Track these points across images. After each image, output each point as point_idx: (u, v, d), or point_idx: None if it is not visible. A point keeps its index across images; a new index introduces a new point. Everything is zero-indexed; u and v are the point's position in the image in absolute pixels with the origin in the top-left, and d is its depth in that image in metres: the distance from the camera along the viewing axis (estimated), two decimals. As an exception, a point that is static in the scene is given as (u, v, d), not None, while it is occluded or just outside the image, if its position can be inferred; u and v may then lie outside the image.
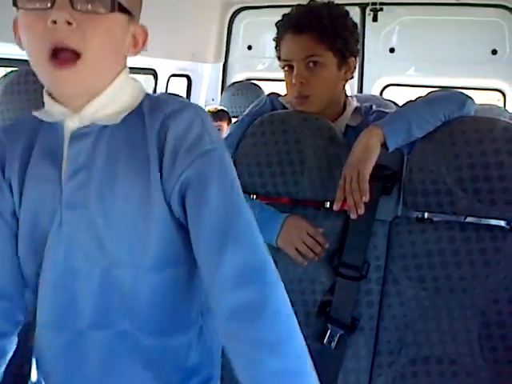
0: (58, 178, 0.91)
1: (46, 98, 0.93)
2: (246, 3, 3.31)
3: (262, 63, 3.38)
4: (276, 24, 1.58)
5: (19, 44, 0.89)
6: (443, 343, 1.39)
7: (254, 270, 0.82)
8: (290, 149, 1.50)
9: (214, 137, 0.90)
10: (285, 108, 1.63)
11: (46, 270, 0.91)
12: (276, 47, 1.60)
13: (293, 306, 1.46)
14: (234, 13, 3.38)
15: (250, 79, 3.40)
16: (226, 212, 0.85)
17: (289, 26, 1.53)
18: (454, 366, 1.38)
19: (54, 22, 0.81)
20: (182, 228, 0.89)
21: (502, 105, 2.94)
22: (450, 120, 1.38)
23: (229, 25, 3.41)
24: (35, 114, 0.95)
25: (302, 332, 1.48)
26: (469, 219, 1.46)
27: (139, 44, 0.94)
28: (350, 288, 1.45)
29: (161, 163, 0.87)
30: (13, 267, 0.94)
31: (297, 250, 1.46)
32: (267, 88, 3.26)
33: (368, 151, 1.34)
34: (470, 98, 1.44)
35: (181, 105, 0.91)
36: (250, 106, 1.71)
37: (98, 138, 0.90)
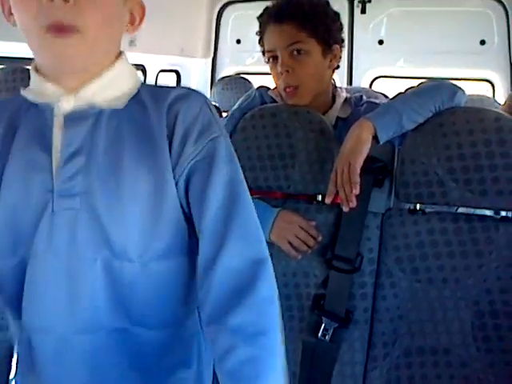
0: (49, 164, 0.86)
1: (35, 77, 0.88)
2: (233, -3, 3.30)
3: (251, 57, 3.37)
4: (258, 18, 1.59)
5: (8, 18, 0.85)
6: (437, 334, 1.39)
7: (249, 265, 0.83)
8: (281, 142, 1.50)
9: (220, 124, 0.91)
10: (274, 101, 1.63)
11: (34, 264, 0.86)
12: (259, 42, 1.60)
13: (287, 299, 1.49)
14: (222, 7, 3.36)
15: (239, 73, 3.39)
16: (230, 199, 0.86)
17: (270, 17, 1.54)
18: (448, 356, 1.38)
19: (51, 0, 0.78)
20: (187, 217, 0.89)
21: (490, 95, 2.95)
22: (440, 111, 1.38)
23: (217, 19, 3.39)
24: (23, 92, 0.89)
25: (297, 325, 1.49)
26: (461, 210, 1.46)
27: (137, 21, 0.92)
28: (343, 281, 1.45)
29: (169, 148, 0.86)
30: None
31: (290, 243, 1.45)
32: (257, 82, 3.25)
33: (359, 144, 1.34)
34: (460, 88, 1.44)
35: (185, 90, 0.91)
36: (240, 100, 1.70)
37: (97, 121, 0.87)
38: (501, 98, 2.89)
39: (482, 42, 2.86)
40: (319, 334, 1.44)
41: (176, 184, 0.87)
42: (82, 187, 0.85)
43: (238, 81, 3.22)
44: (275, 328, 0.82)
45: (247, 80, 3.24)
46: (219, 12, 3.39)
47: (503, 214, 1.38)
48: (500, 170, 1.32)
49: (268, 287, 0.83)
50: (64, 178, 0.85)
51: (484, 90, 3.02)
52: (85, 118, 0.86)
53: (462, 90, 1.44)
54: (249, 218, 0.87)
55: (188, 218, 0.90)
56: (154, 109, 0.88)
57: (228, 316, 0.81)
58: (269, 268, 0.85)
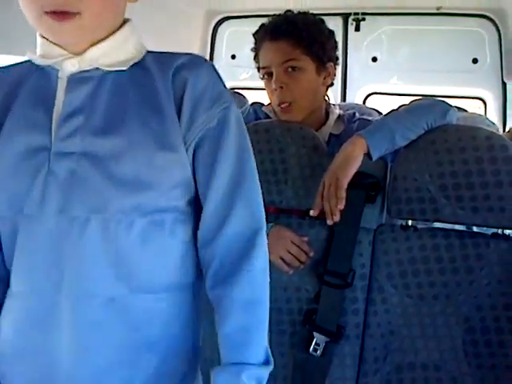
0: (48, 123, 0.85)
1: (41, 40, 0.88)
2: (229, 13, 3.32)
3: (246, 72, 3.38)
4: (253, 34, 1.60)
5: None
6: (428, 350, 1.40)
7: (250, 234, 0.88)
8: (274, 158, 1.51)
9: (229, 94, 0.92)
10: (268, 117, 1.64)
11: (26, 224, 0.84)
12: (255, 58, 1.62)
13: (278, 314, 1.49)
14: (218, 22, 3.38)
15: (233, 88, 3.40)
16: (239, 168, 0.89)
17: (265, 34, 1.56)
18: (439, 373, 1.38)
19: None
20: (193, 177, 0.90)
21: (482, 112, 2.98)
22: (432, 128, 1.40)
23: (212, 34, 3.41)
24: (29, 56, 0.89)
25: (288, 340, 1.49)
26: (452, 226, 1.47)
27: None
28: (335, 296, 1.45)
29: (179, 113, 0.86)
30: None
31: (282, 259, 1.46)
32: (251, 97, 3.26)
33: (349, 160, 1.35)
34: (452, 106, 1.46)
35: (193, 56, 0.90)
36: (234, 116, 1.71)
37: (100, 83, 0.86)
38: (493, 115, 2.92)
39: (475, 61, 2.88)
40: (310, 349, 1.44)
41: (186, 150, 0.87)
42: (80, 146, 0.83)
43: (233, 96, 3.23)
44: (266, 298, 0.90)
45: (242, 95, 3.25)
46: (215, 27, 3.40)
47: (494, 230, 1.40)
48: (491, 188, 1.33)
49: (264, 257, 0.90)
50: (61, 137, 0.84)
51: (476, 106, 3.04)
52: (88, 79, 0.86)
53: (454, 108, 1.46)
54: (254, 187, 0.91)
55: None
56: (159, 73, 0.88)
57: (229, 284, 0.87)
58: (264, 236, 0.90)
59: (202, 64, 0.90)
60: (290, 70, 1.52)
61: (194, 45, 3.35)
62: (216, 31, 3.40)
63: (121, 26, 0.91)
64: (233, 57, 3.41)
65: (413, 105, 1.47)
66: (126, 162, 0.83)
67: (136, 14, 0.93)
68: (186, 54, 0.91)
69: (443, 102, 1.48)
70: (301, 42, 1.51)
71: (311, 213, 1.39)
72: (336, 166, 1.36)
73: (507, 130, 2.09)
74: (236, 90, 3.31)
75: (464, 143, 1.35)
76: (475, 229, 1.47)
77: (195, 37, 3.34)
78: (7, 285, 0.90)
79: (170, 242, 0.89)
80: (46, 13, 0.79)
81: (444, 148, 1.37)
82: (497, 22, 2.80)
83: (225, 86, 0.92)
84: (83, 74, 0.86)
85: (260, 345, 0.88)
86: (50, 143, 0.84)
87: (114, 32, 0.89)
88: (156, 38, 2.73)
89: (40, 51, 0.89)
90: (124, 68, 0.88)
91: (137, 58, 0.90)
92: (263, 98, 1.69)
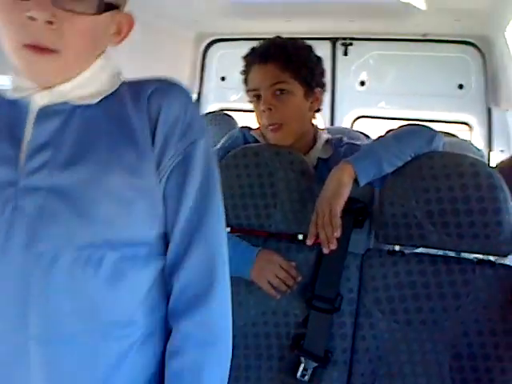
0: (15, 157, 0.83)
1: (14, 75, 0.88)
2: (219, 36, 3.36)
3: (236, 94, 3.41)
4: (243, 58, 1.63)
5: None
6: (415, 375, 1.40)
7: (208, 275, 0.88)
8: (263, 182, 1.52)
9: (201, 125, 0.91)
10: (257, 141, 1.65)
11: None
12: (244, 81, 1.64)
13: (266, 338, 1.49)
14: (208, 45, 3.42)
15: (223, 109, 3.43)
16: (201, 207, 0.88)
17: (255, 57, 1.58)
18: None
19: (32, 18, 0.77)
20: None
21: (468, 136, 3.03)
22: (418, 155, 1.42)
23: (202, 56, 3.44)
24: (0, 91, 0.88)
25: (276, 364, 1.49)
26: (439, 252, 1.48)
27: (123, 32, 0.90)
28: (323, 321, 1.46)
29: (153, 142, 0.86)
30: None
31: (269, 283, 1.46)
32: (240, 118, 3.29)
33: (340, 187, 1.37)
34: (438, 133, 1.48)
35: (165, 83, 0.89)
36: (223, 140, 1.73)
37: (69, 117, 0.85)
38: (479, 140, 2.97)
39: (460, 86, 2.94)
40: (298, 374, 1.44)
41: (160, 181, 0.87)
42: (47, 181, 0.82)
43: (222, 117, 3.26)
44: (225, 340, 0.89)
45: (231, 117, 3.28)
46: (205, 49, 3.44)
47: (480, 257, 1.41)
48: (476, 215, 1.35)
49: (223, 299, 0.89)
50: (29, 171, 0.82)
51: (464, 129, 3.09)
52: (57, 113, 0.85)
53: (440, 135, 1.48)
54: (215, 227, 0.91)
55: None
56: (132, 103, 0.87)
57: (184, 320, 0.87)
58: (225, 279, 0.90)
59: (174, 90, 0.89)
60: (278, 92, 1.54)
61: (185, 67, 3.38)
62: (206, 53, 3.44)
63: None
64: (222, 79, 3.45)
65: (400, 131, 1.49)
66: (94, 194, 0.82)
67: (126, 39, 0.93)
68: (159, 80, 0.90)
69: (429, 128, 1.50)
70: (289, 66, 1.54)
71: (307, 242, 1.40)
72: (328, 195, 1.37)
73: (497, 162, 2.11)
74: (226, 112, 3.36)
75: (449, 170, 1.37)
76: (462, 254, 1.49)
77: (185, 59, 3.37)
78: None
79: (141, 276, 0.87)
80: (26, 46, 0.79)
81: (430, 174, 1.39)
82: (481, 48, 2.86)
83: (197, 112, 0.92)
84: (53, 107, 0.85)
85: None
86: (16, 178, 0.82)
87: (87, 67, 0.88)
88: (146, 60, 2.77)
89: (12, 85, 0.88)
90: (94, 102, 0.87)
91: (110, 89, 0.89)
92: (252, 119, 1.70)
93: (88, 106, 0.86)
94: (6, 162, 0.83)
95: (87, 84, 0.87)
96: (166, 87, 0.89)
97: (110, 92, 0.89)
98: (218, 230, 0.91)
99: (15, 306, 0.81)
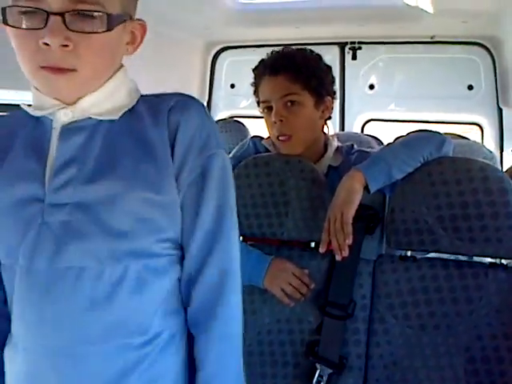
0: (41, 174, 0.86)
1: (35, 91, 0.90)
2: (228, 43, 3.38)
3: (245, 101, 3.43)
4: (253, 70, 1.64)
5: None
6: (430, 380, 1.40)
7: (223, 281, 0.91)
8: (274, 191, 1.53)
9: (218, 139, 0.93)
10: (268, 151, 1.67)
11: (23, 277, 0.85)
12: (254, 92, 1.66)
13: (281, 345, 1.50)
14: (217, 52, 3.44)
15: (233, 117, 3.45)
16: (217, 223, 0.91)
17: (265, 69, 1.60)
18: None
19: (47, 44, 0.79)
20: None
21: (479, 137, 3.02)
22: (428, 161, 1.43)
23: (212, 64, 3.47)
24: (23, 107, 0.91)
25: (292, 372, 1.50)
26: (451, 256, 1.49)
27: (137, 40, 0.92)
28: (337, 327, 1.47)
29: (172, 156, 0.88)
30: None
31: (283, 291, 1.48)
32: (251, 125, 3.31)
33: (351, 195, 1.38)
34: (447, 138, 1.49)
35: (183, 97, 0.92)
36: (234, 149, 1.75)
37: (93, 132, 0.87)
38: (490, 140, 2.96)
39: (470, 87, 2.93)
40: (314, 381, 1.45)
41: (178, 192, 0.89)
42: (73, 197, 0.84)
43: (232, 124, 3.28)
44: (239, 334, 0.93)
45: (241, 123, 3.30)
46: (214, 57, 3.46)
47: (492, 260, 1.41)
48: (487, 219, 1.35)
49: (236, 312, 0.93)
50: (54, 188, 0.85)
51: (475, 128, 3.09)
52: (80, 129, 0.87)
53: (449, 140, 1.49)
54: (230, 242, 0.92)
55: None
56: (151, 118, 0.89)
57: (203, 326, 0.91)
58: (238, 292, 0.93)
59: (192, 106, 0.91)
60: (289, 104, 1.55)
61: (194, 74, 3.41)
62: (215, 61, 3.46)
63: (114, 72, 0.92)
64: (232, 86, 3.47)
65: (409, 138, 1.50)
66: (117, 209, 0.84)
67: None
68: (177, 94, 0.92)
69: (439, 133, 1.50)
70: (299, 77, 1.55)
71: (320, 250, 1.41)
72: (339, 202, 1.39)
73: (506, 165, 2.11)
74: (236, 119, 3.38)
75: (459, 175, 1.38)
76: (474, 258, 1.49)
77: (195, 66, 3.40)
78: (8, 319, 0.90)
79: (161, 286, 0.91)
80: (43, 67, 0.81)
81: (440, 180, 1.39)
82: (491, 49, 2.86)
83: (214, 127, 0.94)
84: (76, 123, 0.88)
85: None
86: (43, 194, 0.85)
87: (106, 80, 0.90)
88: (156, 68, 2.79)
89: (34, 102, 0.91)
90: (115, 117, 0.89)
91: (129, 104, 0.92)
92: (262, 126, 1.72)
93: (110, 122, 0.89)
94: (33, 178, 0.86)
95: (108, 99, 0.90)
96: (183, 102, 0.91)
97: (129, 107, 0.91)
98: (233, 243, 0.93)
99: (41, 319, 0.84)
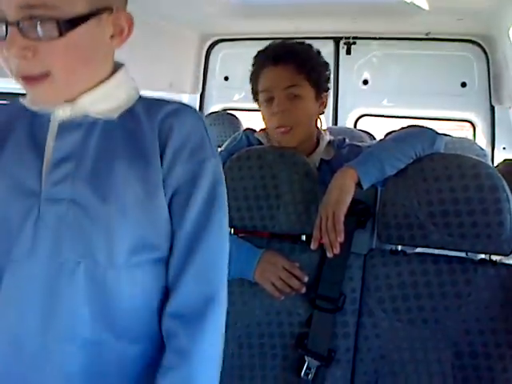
0: (38, 169, 0.86)
1: None
2: (222, 36, 3.37)
3: (239, 94, 3.43)
4: (254, 57, 1.62)
5: None
6: (418, 374, 1.41)
7: (201, 303, 0.89)
8: (267, 184, 1.53)
9: (212, 145, 0.93)
10: (260, 143, 1.67)
11: (13, 269, 0.85)
12: (252, 81, 1.63)
13: (270, 338, 1.51)
14: (211, 45, 3.43)
15: (226, 109, 3.45)
16: (199, 229, 0.89)
17: (268, 58, 1.57)
18: None
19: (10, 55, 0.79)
20: None
21: (471, 134, 3.04)
22: (420, 157, 1.43)
23: (206, 56, 3.46)
24: (22, 101, 0.91)
25: (280, 364, 1.51)
26: (441, 252, 1.50)
27: (125, 31, 0.89)
28: (326, 320, 1.47)
29: (161, 160, 0.88)
30: None
31: (273, 284, 1.48)
32: (243, 118, 3.31)
33: (343, 193, 1.38)
34: (439, 134, 1.49)
35: (181, 105, 0.92)
36: (227, 142, 1.74)
37: (90, 130, 0.88)
38: (482, 138, 2.98)
39: (463, 85, 2.95)
40: (302, 373, 1.46)
41: (165, 195, 0.89)
42: (69, 193, 0.85)
43: (226, 117, 3.27)
44: (219, 353, 0.90)
45: (234, 116, 3.29)
46: (208, 50, 3.45)
47: (481, 256, 1.43)
48: (478, 215, 1.36)
49: (218, 317, 0.89)
50: (51, 183, 0.86)
51: (467, 125, 3.10)
52: (78, 126, 0.88)
53: (441, 136, 1.49)
54: (215, 249, 0.91)
55: None
56: (147, 121, 0.90)
57: (181, 335, 0.87)
58: (219, 303, 0.90)
59: (186, 112, 0.91)
60: (291, 95, 1.54)
61: (188, 66, 3.40)
62: (209, 53, 3.45)
63: (115, 71, 0.92)
64: (226, 78, 3.46)
65: (401, 134, 1.50)
66: (112, 207, 0.85)
67: (131, 37, 0.93)
68: (177, 102, 0.93)
69: (431, 129, 1.51)
70: (303, 69, 1.54)
71: (311, 246, 1.42)
72: (332, 200, 1.39)
73: (498, 162, 2.12)
74: (229, 112, 3.38)
75: (451, 171, 1.39)
76: (464, 254, 1.50)
77: (189, 59, 3.39)
78: None
79: (153, 283, 0.91)
80: (20, 77, 0.82)
81: (432, 176, 1.40)
82: (484, 46, 2.87)
83: (210, 136, 0.93)
84: (74, 120, 0.88)
85: None
86: (39, 188, 0.86)
87: (107, 78, 0.90)
88: (151, 61, 2.78)
89: (29, 96, 0.91)
90: (115, 116, 0.89)
91: (128, 104, 0.92)
92: (256, 119, 1.71)
93: (107, 121, 0.89)
94: (30, 171, 0.87)
95: (107, 98, 0.90)
96: (180, 110, 0.91)
97: (127, 107, 0.91)
98: (217, 255, 0.92)
99: (40, 310, 0.85)
